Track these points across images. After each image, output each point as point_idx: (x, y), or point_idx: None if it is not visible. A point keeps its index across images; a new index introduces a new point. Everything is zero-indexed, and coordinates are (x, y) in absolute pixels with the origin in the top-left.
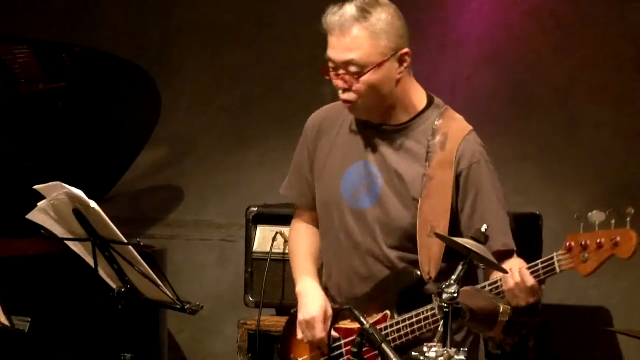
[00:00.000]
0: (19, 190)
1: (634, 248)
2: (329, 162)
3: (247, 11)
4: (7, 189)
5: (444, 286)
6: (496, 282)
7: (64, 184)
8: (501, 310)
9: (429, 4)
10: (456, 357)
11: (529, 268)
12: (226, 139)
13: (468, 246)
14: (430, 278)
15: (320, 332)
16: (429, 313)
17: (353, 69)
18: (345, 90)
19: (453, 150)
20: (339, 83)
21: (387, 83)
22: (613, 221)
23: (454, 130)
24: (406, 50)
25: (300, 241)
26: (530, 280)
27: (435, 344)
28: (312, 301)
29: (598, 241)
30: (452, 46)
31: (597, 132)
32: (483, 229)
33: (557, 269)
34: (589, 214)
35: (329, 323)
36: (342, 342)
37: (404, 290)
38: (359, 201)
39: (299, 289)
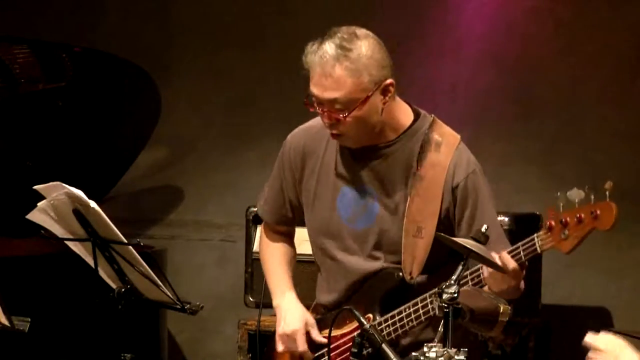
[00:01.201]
0: (19, 190)
1: (613, 219)
2: (320, 185)
3: (246, 12)
4: (7, 189)
5: (444, 286)
6: (477, 269)
7: (64, 184)
8: (501, 310)
9: (429, 4)
10: (456, 357)
11: (510, 251)
12: (226, 139)
13: (468, 246)
14: (412, 278)
15: (302, 345)
16: (410, 309)
17: (338, 106)
18: (332, 126)
19: (447, 155)
20: (324, 119)
21: (373, 114)
22: (592, 197)
23: (445, 137)
24: (390, 80)
25: (273, 251)
26: (512, 264)
27: (435, 344)
28: (291, 314)
29: (578, 216)
30: (452, 46)
31: (598, 132)
32: (483, 229)
33: (538, 249)
34: (568, 192)
35: (313, 332)
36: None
37: (385, 293)
38: (357, 222)
39: (276, 302)
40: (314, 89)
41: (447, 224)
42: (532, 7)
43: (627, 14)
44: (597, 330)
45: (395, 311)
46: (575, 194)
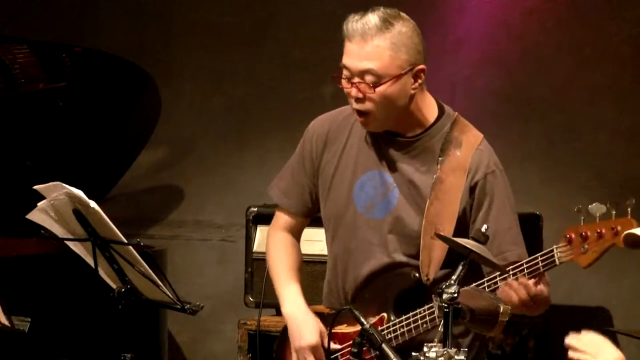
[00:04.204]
0: (19, 190)
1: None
2: (339, 172)
3: (246, 12)
4: (7, 189)
5: (444, 286)
6: (494, 277)
7: (64, 184)
8: (501, 310)
9: (429, 3)
10: (456, 357)
11: (528, 262)
12: (226, 139)
13: (468, 246)
14: (428, 280)
15: (320, 359)
16: (426, 312)
17: (369, 78)
18: (358, 100)
19: (467, 158)
20: (352, 92)
21: (401, 97)
22: (614, 212)
23: (467, 137)
24: (422, 66)
25: (283, 253)
26: (532, 290)
27: (435, 344)
28: (306, 326)
29: (598, 231)
30: (452, 46)
31: (597, 132)
32: (483, 229)
33: (557, 261)
34: (589, 206)
35: (325, 341)
36: (339, 354)
37: (401, 292)
38: (374, 211)
39: (287, 311)
40: (348, 59)
41: (463, 224)
42: (532, 7)
43: (627, 14)
44: (596, 330)
45: (411, 313)
46: (596, 209)
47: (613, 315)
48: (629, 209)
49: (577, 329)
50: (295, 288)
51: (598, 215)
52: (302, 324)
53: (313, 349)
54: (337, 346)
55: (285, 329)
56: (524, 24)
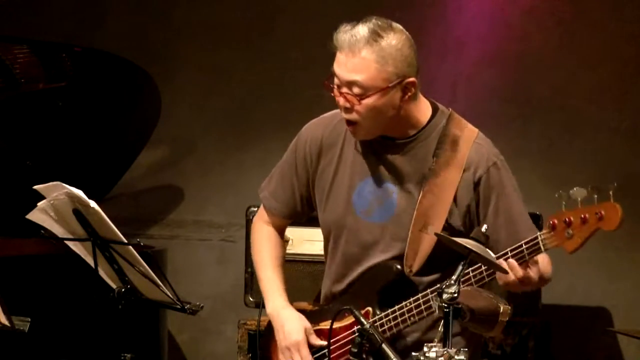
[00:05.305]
0: (19, 190)
1: (619, 220)
2: (337, 178)
3: (246, 12)
4: (7, 189)
5: (444, 286)
6: (480, 266)
7: (64, 184)
8: (501, 310)
9: (429, 3)
10: (456, 357)
11: (512, 250)
12: (226, 139)
13: (468, 246)
14: (411, 271)
15: (306, 356)
16: (412, 304)
17: (356, 90)
18: (346, 110)
19: (464, 153)
20: (340, 101)
21: (389, 109)
22: (595, 196)
23: (463, 132)
24: (412, 79)
25: (268, 249)
26: (519, 273)
27: (435, 344)
28: (290, 324)
29: (582, 216)
30: (452, 46)
31: (597, 132)
32: (483, 229)
33: (542, 248)
34: (571, 191)
35: (312, 337)
36: (325, 351)
37: (384, 286)
38: (374, 216)
39: (271, 310)
40: (338, 69)
41: (468, 221)
42: (532, 7)
43: (627, 14)
44: (596, 330)
45: (397, 306)
46: (578, 193)
47: (613, 315)
48: (610, 192)
49: (577, 329)
50: (279, 286)
51: (580, 199)
52: (286, 322)
53: (299, 347)
54: (324, 343)
55: (269, 325)
56: (524, 24)
